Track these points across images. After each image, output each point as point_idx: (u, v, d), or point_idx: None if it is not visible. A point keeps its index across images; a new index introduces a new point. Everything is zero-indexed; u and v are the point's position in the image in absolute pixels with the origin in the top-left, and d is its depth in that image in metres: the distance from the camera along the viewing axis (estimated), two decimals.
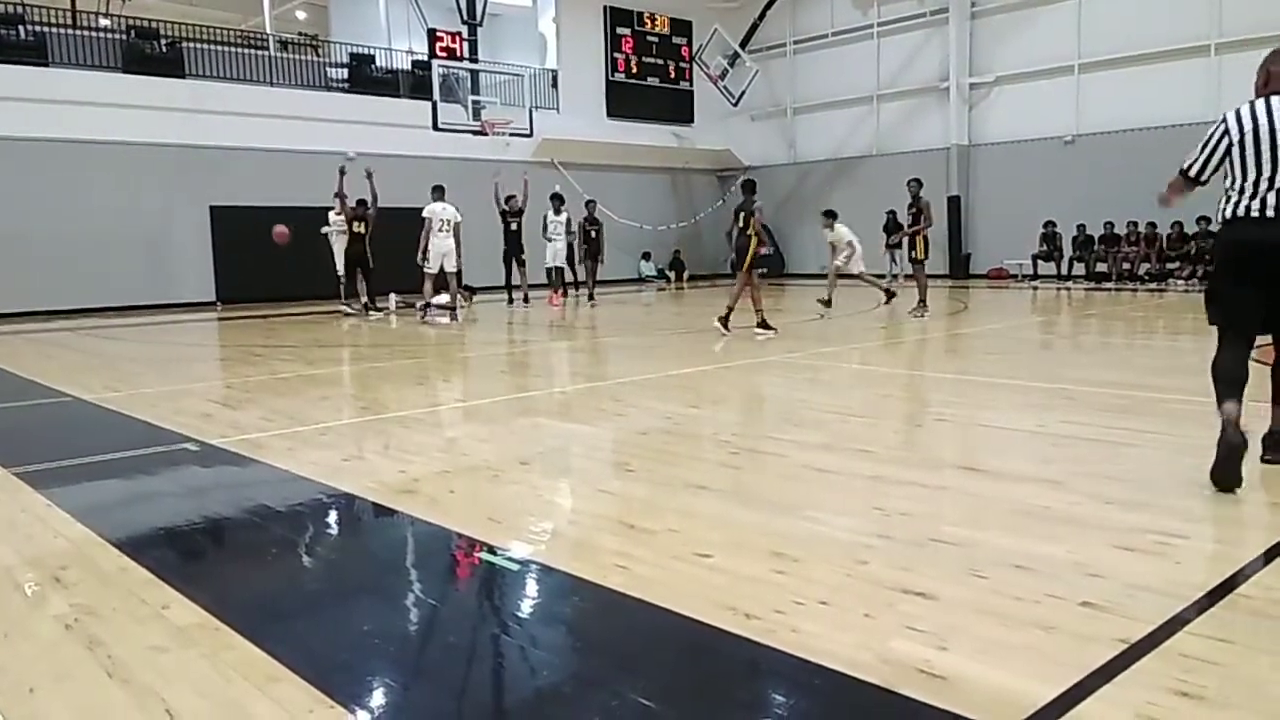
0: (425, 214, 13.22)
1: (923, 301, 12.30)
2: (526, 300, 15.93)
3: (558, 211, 16.35)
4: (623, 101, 23.08)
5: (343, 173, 13.99)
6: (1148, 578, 2.79)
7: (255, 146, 17.35)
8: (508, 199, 15.74)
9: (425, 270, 13.17)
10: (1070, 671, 2.19)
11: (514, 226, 15.79)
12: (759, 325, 10.21)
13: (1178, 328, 11.05)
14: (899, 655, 2.32)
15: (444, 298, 13.35)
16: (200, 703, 2.19)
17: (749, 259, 10.22)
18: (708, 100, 24.26)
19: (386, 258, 14.49)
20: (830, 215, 13.49)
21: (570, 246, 16.72)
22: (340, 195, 14.10)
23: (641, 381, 7.45)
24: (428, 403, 6.77)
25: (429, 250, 13.11)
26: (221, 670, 2.35)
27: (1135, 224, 17.47)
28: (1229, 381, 3.70)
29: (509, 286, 16.35)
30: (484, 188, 15.91)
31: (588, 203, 17.09)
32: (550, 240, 16.26)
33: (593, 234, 16.90)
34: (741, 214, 10.33)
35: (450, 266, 13.17)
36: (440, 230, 13.09)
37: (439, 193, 13.39)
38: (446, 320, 12.94)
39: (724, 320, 10.38)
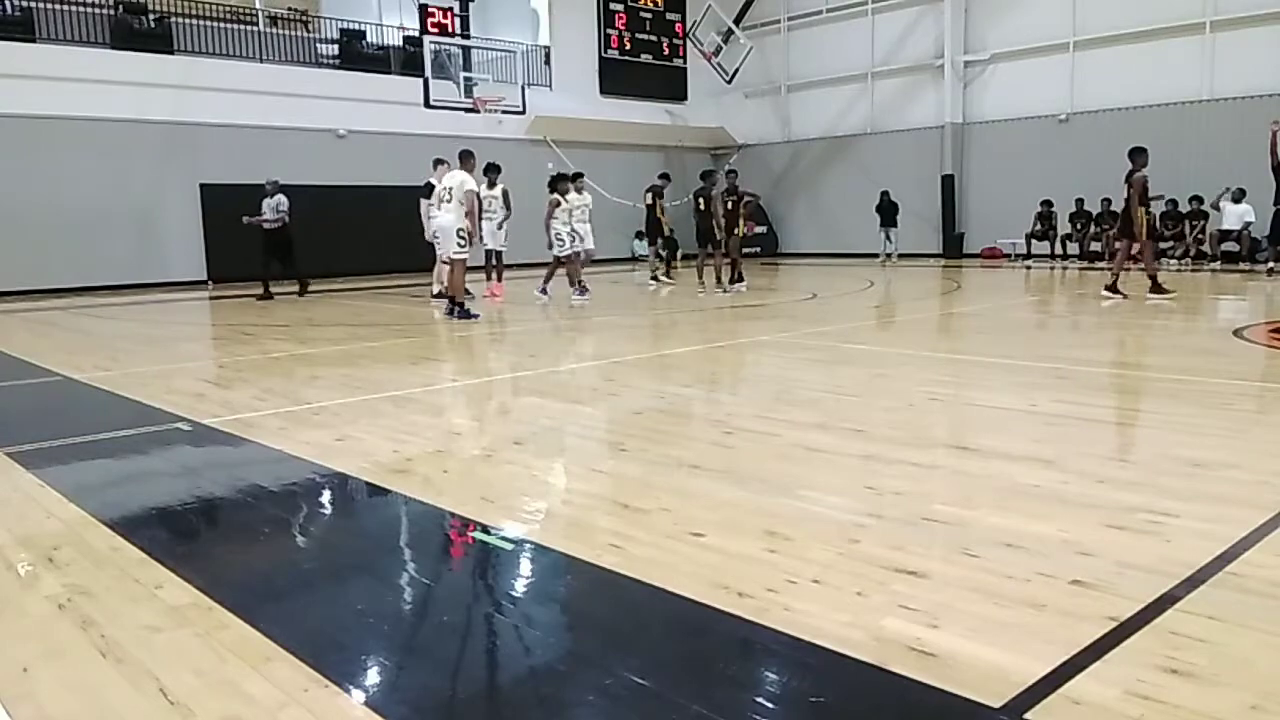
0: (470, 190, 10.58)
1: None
2: (662, 277, 15.59)
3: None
4: (616, 79, 22.91)
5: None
6: (1138, 556, 2.80)
7: (245, 123, 17.23)
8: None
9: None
10: (1060, 649, 2.21)
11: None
12: (1151, 290, 10.96)
13: (1169, 307, 11.06)
14: (891, 633, 2.34)
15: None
16: (195, 682, 2.19)
17: (1143, 228, 11.04)
18: (701, 77, 24.13)
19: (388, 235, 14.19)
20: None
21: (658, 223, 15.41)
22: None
23: (635, 361, 7.45)
24: (421, 382, 6.76)
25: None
26: (216, 650, 2.35)
27: None
28: None
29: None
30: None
31: (728, 172, 15.01)
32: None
33: (729, 205, 13.90)
34: (1127, 186, 11.12)
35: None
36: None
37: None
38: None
39: (1113, 288, 11.22)
